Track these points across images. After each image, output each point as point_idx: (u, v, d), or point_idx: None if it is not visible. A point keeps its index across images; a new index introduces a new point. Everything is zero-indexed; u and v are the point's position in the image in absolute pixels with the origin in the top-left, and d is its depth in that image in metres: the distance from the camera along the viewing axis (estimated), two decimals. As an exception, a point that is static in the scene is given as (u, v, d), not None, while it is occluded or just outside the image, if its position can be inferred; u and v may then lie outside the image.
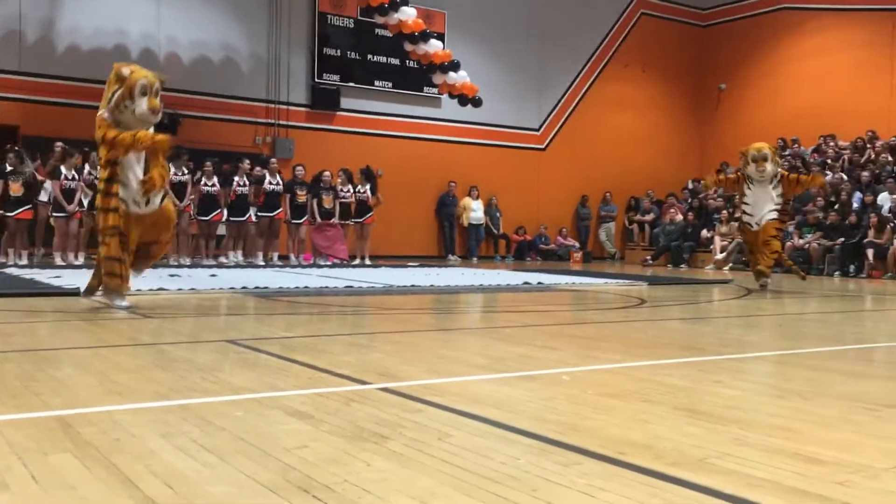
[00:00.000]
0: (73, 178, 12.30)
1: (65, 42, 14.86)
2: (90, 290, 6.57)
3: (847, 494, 2.01)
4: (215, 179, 13.14)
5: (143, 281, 8.56)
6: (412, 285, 9.23)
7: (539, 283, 10.12)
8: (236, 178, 13.29)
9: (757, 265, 9.78)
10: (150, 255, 6.53)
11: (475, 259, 17.83)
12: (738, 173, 9.97)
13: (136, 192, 6.01)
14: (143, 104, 5.90)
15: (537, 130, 19.93)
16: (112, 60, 15.50)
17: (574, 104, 20.38)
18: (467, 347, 4.84)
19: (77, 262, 12.08)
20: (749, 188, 9.76)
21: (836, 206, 15.19)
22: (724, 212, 16.85)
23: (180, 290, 7.84)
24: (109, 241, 6.03)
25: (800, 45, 20.07)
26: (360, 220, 14.38)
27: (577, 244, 19.65)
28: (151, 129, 6.08)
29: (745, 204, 9.89)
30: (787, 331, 6.14)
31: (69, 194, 12.14)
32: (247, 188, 13.35)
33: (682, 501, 1.94)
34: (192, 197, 12.95)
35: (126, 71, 5.98)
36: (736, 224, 16.62)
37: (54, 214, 12.26)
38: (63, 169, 12.21)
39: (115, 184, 5.98)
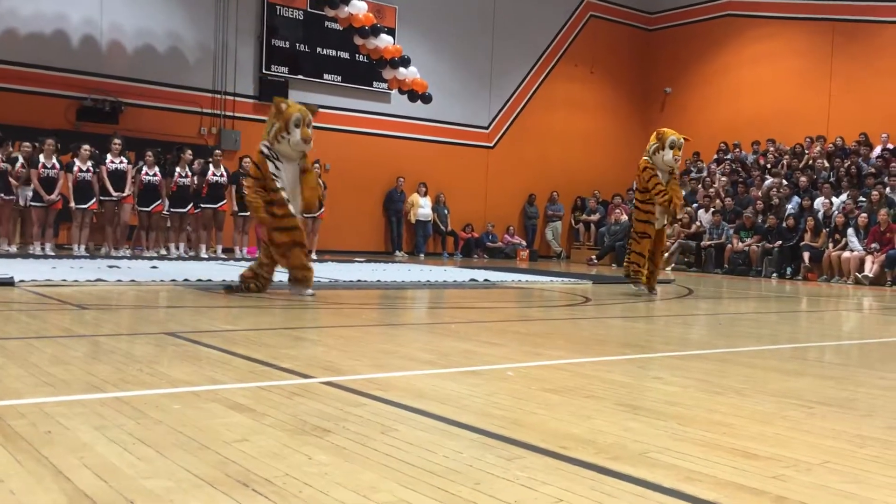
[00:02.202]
0: (53, 167, 12.10)
1: (2, 26, 14.37)
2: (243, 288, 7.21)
3: (781, 488, 2.06)
4: (156, 169, 12.88)
5: (81, 272, 8.35)
6: (358, 280, 9.17)
7: (485, 280, 10.16)
8: (178, 169, 13.04)
9: (649, 277, 8.81)
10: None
11: (422, 256, 17.81)
12: (646, 162, 8.77)
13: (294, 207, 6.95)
14: (296, 135, 6.79)
15: (486, 128, 20.00)
16: (51, 46, 15.18)
17: (523, 103, 20.50)
18: (412, 343, 4.83)
19: (49, 252, 11.91)
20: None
21: (773, 210, 15.60)
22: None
23: (119, 281, 7.66)
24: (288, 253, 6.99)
25: (743, 52, 20.53)
26: (314, 214, 14.23)
27: (523, 242, 19.79)
28: (307, 151, 7.02)
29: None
30: (726, 330, 6.27)
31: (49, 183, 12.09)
32: (188, 179, 13.11)
33: (622, 495, 1.96)
34: (134, 187, 12.73)
35: (283, 105, 6.89)
36: (678, 225, 16.99)
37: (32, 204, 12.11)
38: (41, 158, 12.08)
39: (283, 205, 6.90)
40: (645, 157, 8.85)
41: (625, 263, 9.12)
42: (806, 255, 14.31)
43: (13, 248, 12.17)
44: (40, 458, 2.06)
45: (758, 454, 2.38)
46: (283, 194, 6.87)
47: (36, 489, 1.84)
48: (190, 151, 13.43)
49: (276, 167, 6.90)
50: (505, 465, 2.16)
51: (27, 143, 12.34)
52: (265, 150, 6.92)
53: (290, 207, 6.90)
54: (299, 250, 6.99)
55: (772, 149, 18.62)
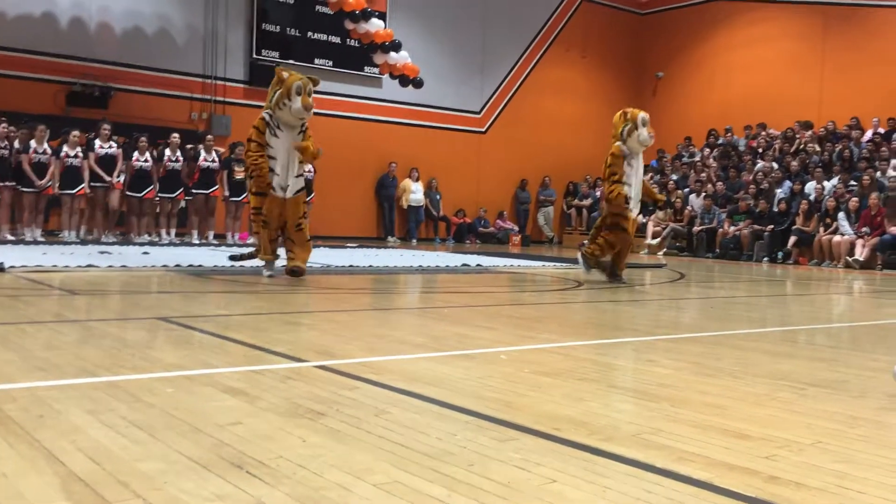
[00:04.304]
0: (45, 153, 11.97)
1: (-11, 8, 14.23)
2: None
3: (773, 468, 2.07)
4: (148, 155, 12.79)
5: (72, 257, 8.32)
6: (350, 265, 9.16)
7: (478, 265, 10.16)
8: (167, 153, 12.97)
9: (619, 268, 8.27)
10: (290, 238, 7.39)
11: (414, 241, 17.80)
12: (617, 146, 7.93)
13: (281, 180, 7.18)
14: (297, 102, 6.99)
15: (478, 113, 19.94)
16: (39, 28, 15.02)
17: (515, 88, 20.44)
18: (405, 327, 4.83)
19: (39, 238, 11.79)
20: (630, 164, 7.89)
21: (763, 195, 15.63)
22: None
23: (111, 267, 7.63)
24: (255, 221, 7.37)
25: (734, 36, 20.50)
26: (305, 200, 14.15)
27: (516, 227, 19.78)
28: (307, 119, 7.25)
29: (626, 185, 7.94)
30: (718, 313, 6.29)
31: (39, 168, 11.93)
32: (178, 164, 13.03)
33: (616, 475, 1.97)
34: (122, 172, 12.66)
35: (285, 74, 7.13)
36: (671, 210, 17.01)
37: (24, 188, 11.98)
38: (33, 143, 11.93)
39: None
40: (618, 144, 7.93)
41: (589, 248, 8.34)
42: (794, 239, 14.34)
43: (7, 235, 12.09)
44: (33, 442, 2.05)
45: (750, 435, 2.39)
46: (276, 170, 7.17)
47: (29, 472, 1.83)
48: (177, 135, 13.31)
49: (276, 135, 7.15)
50: (498, 447, 2.16)
51: (9, 127, 12.17)
52: (267, 118, 7.16)
53: (275, 181, 7.16)
54: (259, 220, 7.27)
55: (763, 133, 18.62)
